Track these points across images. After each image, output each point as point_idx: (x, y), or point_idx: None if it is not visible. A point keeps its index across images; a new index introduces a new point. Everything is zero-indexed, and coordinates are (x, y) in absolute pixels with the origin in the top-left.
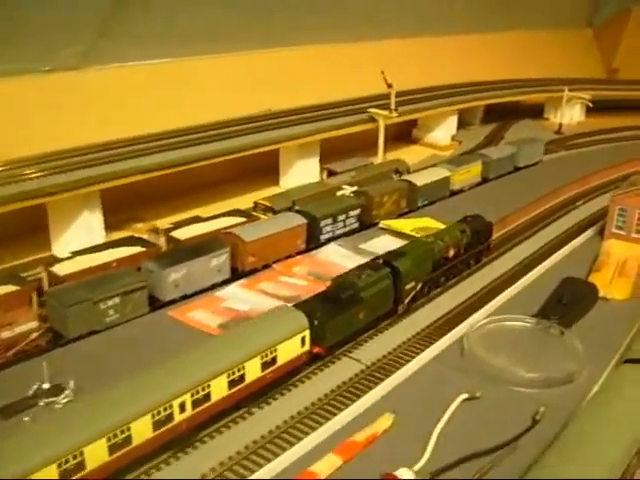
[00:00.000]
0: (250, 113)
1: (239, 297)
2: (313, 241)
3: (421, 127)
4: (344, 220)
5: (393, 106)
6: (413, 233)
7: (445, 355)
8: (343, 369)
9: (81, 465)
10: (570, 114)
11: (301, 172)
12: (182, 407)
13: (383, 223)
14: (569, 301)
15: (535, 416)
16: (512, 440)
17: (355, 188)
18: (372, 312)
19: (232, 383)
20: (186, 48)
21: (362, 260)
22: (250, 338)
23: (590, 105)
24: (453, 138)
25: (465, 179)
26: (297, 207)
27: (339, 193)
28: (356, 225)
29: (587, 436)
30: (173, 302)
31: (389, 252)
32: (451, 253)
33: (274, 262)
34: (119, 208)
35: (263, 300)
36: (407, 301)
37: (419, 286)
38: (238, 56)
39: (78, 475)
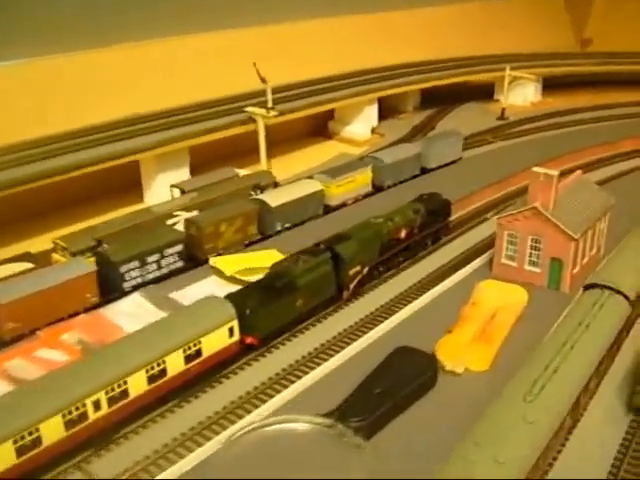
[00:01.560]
0: (111, 119)
1: None
2: (112, 291)
3: (337, 120)
4: (158, 261)
5: (270, 104)
6: (238, 275)
7: None
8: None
9: None
10: (523, 94)
11: (167, 186)
12: (96, 405)
13: (212, 261)
14: (390, 387)
15: None
16: None
17: (193, 213)
18: (311, 299)
19: (152, 378)
20: None
21: (163, 315)
22: (171, 331)
23: (536, 83)
24: (374, 130)
25: (348, 191)
26: (101, 247)
27: (170, 222)
28: (180, 264)
29: None
30: None
31: (333, 236)
32: (403, 234)
33: (49, 324)
34: None
35: None
36: (352, 286)
37: (365, 270)
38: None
39: None
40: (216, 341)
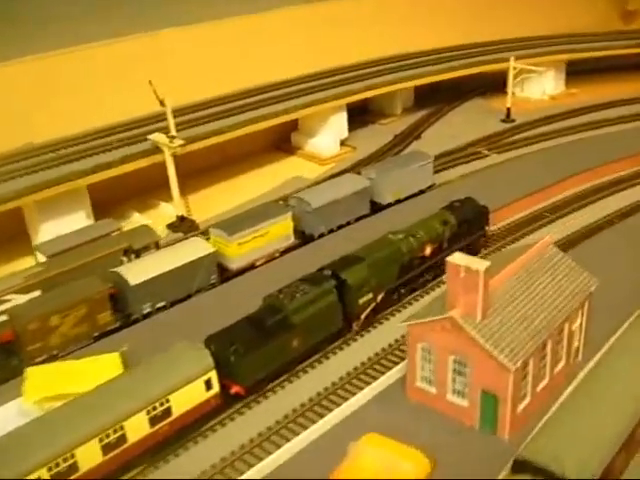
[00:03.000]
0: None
1: None
2: None
3: (301, 131)
4: None
5: (173, 131)
6: (46, 403)
7: None
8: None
9: None
10: (541, 86)
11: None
12: None
13: (26, 373)
14: None
15: None
16: None
17: (32, 295)
18: (311, 337)
19: (108, 447)
20: None
21: None
22: (133, 390)
23: (537, 71)
24: (344, 143)
25: (257, 248)
26: None
27: None
28: None
29: None
30: None
31: (340, 259)
32: (428, 251)
33: None
34: None
35: None
36: (364, 316)
37: (380, 297)
38: None
39: None
40: (189, 397)
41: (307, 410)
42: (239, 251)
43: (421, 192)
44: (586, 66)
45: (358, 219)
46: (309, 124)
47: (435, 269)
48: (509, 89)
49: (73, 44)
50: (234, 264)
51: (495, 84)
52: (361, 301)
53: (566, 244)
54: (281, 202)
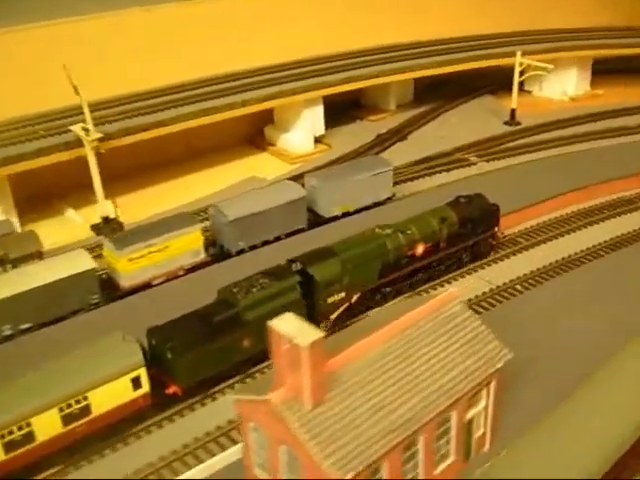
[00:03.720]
0: None
1: None
2: None
3: (276, 125)
4: None
5: (90, 124)
6: None
7: None
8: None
9: None
10: (561, 86)
11: None
12: None
13: None
14: None
15: None
16: None
17: None
18: (265, 337)
19: (11, 445)
20: None
21: None
22: (45, 384)
23: (546, 68)
24: (321, 140)
25: (155, 264)
26: None
27: None
28: None
29: None
30: None
31: (311, 251)
32: (420, 249)
33: None
34: None
35: None
36: (335, 317)
37: (356, 296)
38: None
39: None
40: (112, 395)
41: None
42: (130, 267)
43: (377, 204)
44: (616, 65)
45: (292, 234)
46: (285, 118)
47: (428, 271)
48: (514, 87)
49: None
50: (125, 282)
51: (510, 81)
52: (331, 300)
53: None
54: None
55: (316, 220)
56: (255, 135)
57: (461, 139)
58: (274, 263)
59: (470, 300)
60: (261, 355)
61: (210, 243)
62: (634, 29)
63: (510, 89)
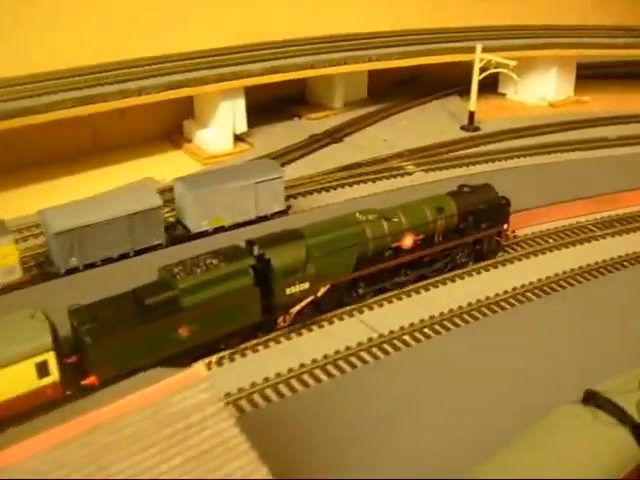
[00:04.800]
0: None
1: None
2: None
3: (197, 119)
4: None
5: None
6: None
7: None
8: None
9: None
10: (542, 88)
11: None
12: None
13: None
14: None
15: None
16: None
17: None
18: (211, 328)
19: None
20: None
21: None
22: None
23: (508, 65)
24: (244, 138)
25: None
26: None
27: None
28: None
29: None
30: None
31: (274, 233)
32: (408, 242)
33: None
34: None
35: None
36: (296, 310)
37: (323, 290)
38: None
39: None
40: (8, 383)
41: None
42: None
43: (263, 219)
44: (613, 70)
45: (144, 250)
46: (204, 112)
47: (418, 268)
48: (473, 86)
49: None
50: None
51: (483, 82)
52: (290, 291)
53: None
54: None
55: (182, 235)
56: (174, 131)
57: (406, 144)
58: (114, 285)
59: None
60: (202, 348)
61: (42, 258)
62: (624, 29)
63: (484, 90)
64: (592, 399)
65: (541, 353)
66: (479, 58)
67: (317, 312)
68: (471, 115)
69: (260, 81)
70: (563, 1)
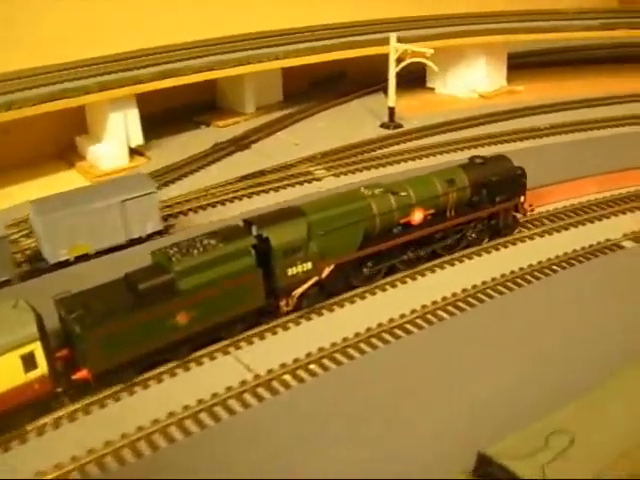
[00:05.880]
0: None
1: None
2: None
3: (89, 134)
4: None
5: None
6: None
7: None
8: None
9: None
10: (471, 79)
11: None
12: None
13: None
14: None
15: None
16: None
17: None
18: (211, 314)
19: None
20: None
21: None
22: None
23: (424, 54)
24: (142, 151)
25: None
26: None
27: None
28: None
29: None
30: None
31: (273, 211)
32: (418, 217)
33: None
34: None
35: None
36: (298, 294)
37: (327, 270)
38: None
39: None
40: None
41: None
42: None
43: (135, 243)
44: (545, 57)
45: None
46: (96, 125)
47: (429, 245)
48: (391, 79)
49: None
50: None
51: (410, 76)
52: (292, 272)
53: None
54: None
55: (38, 268)
56: (68, 148)
57: (320, 146)
58: None
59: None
60: (202, 336)
61: None
62: (553, 12)
63: (411, 86)
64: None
65: None
66: (394, 49)
67: (323, 296)
68: (391, 111)
69: (149, 87)
70: None
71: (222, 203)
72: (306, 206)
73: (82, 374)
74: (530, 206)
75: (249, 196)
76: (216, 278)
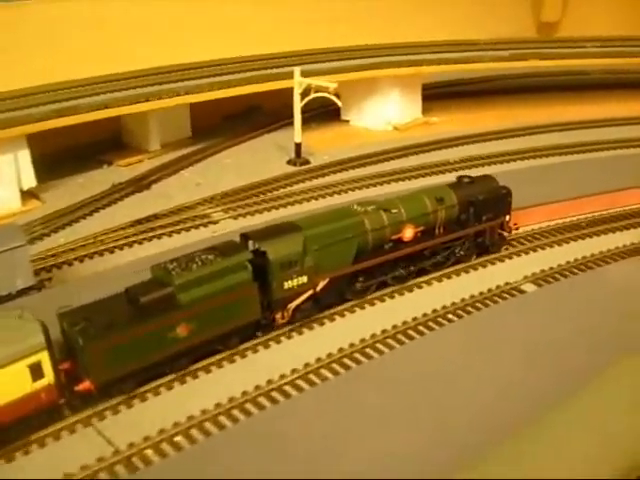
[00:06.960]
0: None
1: None
2: None
3: None
4: None
5: None
6: None
7: None
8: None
9: None
10: (384, 112)
11: None
12: None
13: None
14: None
15: None
16: None
17: None
18: (209, 327)
19: None
20: None
21: None
22: None
23: (327, 89)
24: (36, 194)
25: None
26: None
27: None
28: None
29: None
30: None
31: (270, 226)
32: (408, 234)
33: None
34: None
35: None
36: (293, 307)
37: (322, 284)
38: None
39: None
40: (2, 387)
41: None
42: None
43: (6, 299)
44: (462, 88)
45: None
46: None
47: (419, 261)
48: (296, 115)
49: None
50: None
51: (327, 110)
52: (288, 285)
53: None
54: None
55: None
56: None
57: (223, 186)
58: None
59: None
60: (201, 348)
61: None
62: (467, 43)
63: (328, 118)
64: None
65: None
66: (298, 83)
67: (317, 309)
68: (297, 147)
69: (42, 127)
70: (400, 20)
71: (111, 251)
72: (302, 221)
73: (85, 385)
74: (515, 224)
75: (140, 242)
76: (214, 292)
